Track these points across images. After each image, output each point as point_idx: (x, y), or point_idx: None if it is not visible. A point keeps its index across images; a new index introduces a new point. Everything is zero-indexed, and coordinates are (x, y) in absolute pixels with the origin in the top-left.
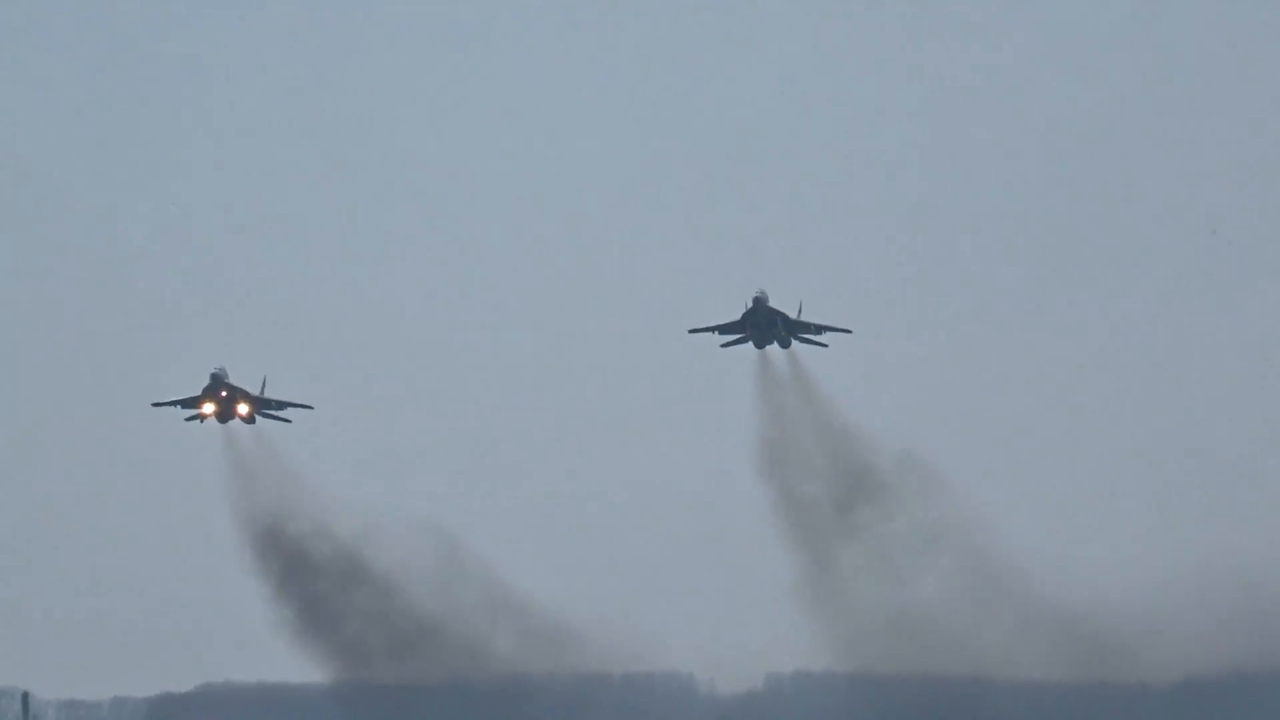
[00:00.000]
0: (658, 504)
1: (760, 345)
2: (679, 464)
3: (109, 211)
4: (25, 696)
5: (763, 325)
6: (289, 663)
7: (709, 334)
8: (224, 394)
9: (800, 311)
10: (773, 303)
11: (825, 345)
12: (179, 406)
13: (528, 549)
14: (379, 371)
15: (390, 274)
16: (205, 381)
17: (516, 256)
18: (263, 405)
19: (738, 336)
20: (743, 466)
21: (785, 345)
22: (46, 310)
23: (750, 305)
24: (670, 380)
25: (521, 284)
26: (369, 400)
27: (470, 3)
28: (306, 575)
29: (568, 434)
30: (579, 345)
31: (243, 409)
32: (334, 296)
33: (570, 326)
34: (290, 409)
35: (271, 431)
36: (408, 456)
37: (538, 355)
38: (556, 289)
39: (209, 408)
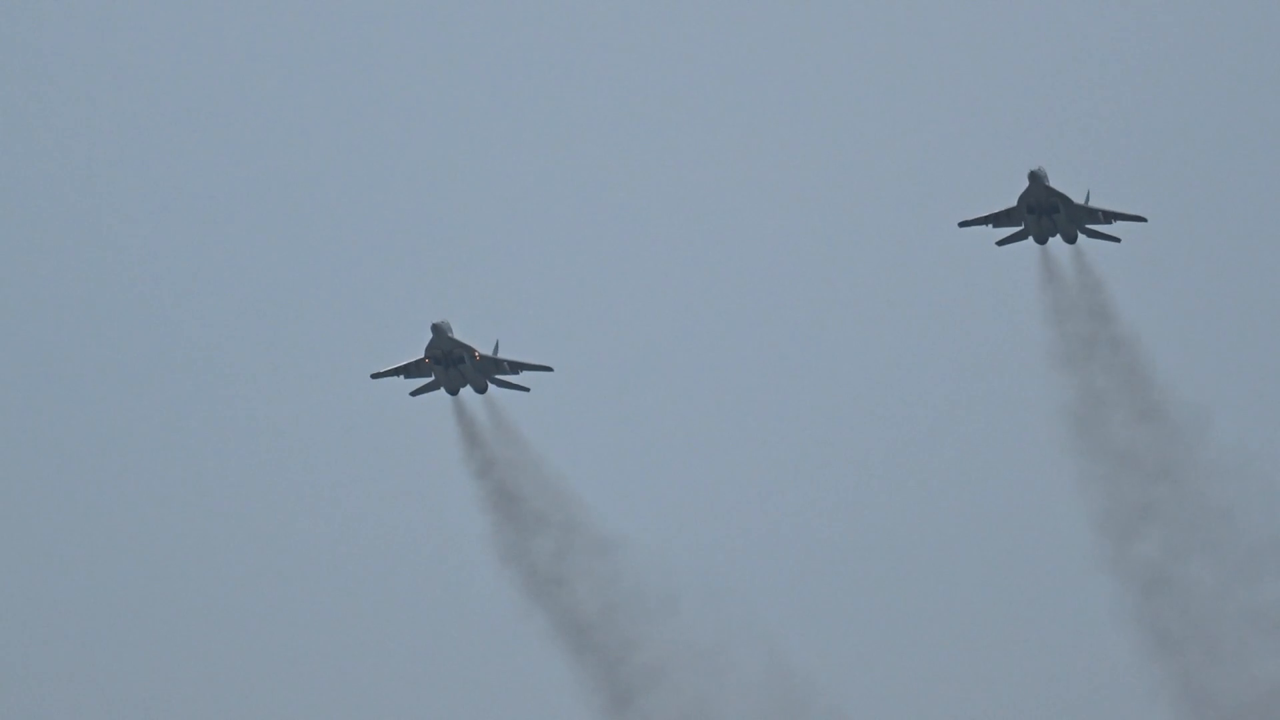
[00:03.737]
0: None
1: (1041, 240)
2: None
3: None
4: None
5: (1041, 210)
6: None
7: (982, 226)
8: (452, 351)
9: (1088, 199)
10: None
11: (1118, 240)
12: (402, 376)
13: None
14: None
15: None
16: (426, 337)
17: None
18: (494, 368)
19: (1015, 231)
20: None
21: (1070, 239)
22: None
23: (1028, 185)
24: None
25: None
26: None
27: None
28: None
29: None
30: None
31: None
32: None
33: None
34: (527, 372)
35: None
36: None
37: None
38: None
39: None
